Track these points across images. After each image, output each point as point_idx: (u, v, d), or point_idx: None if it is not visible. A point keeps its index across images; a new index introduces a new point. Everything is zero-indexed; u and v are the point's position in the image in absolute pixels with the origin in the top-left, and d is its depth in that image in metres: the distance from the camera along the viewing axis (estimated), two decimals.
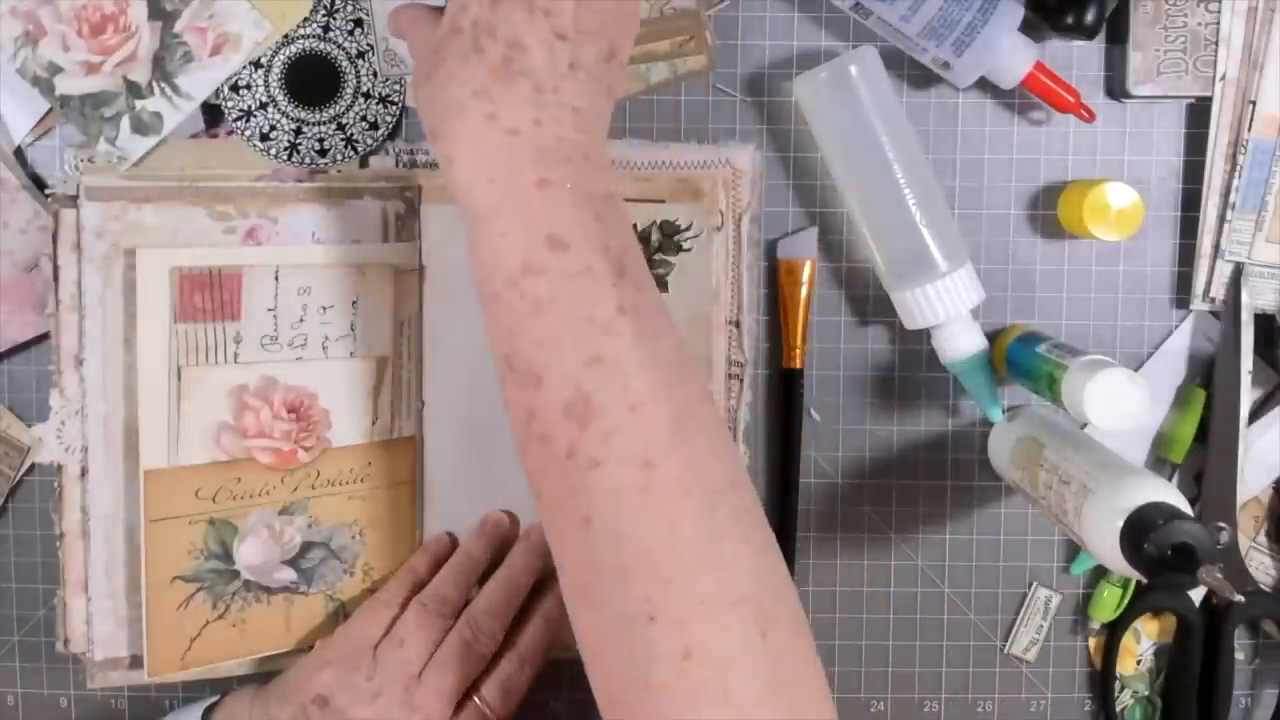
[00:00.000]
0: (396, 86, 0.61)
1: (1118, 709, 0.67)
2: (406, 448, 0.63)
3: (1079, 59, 0.64)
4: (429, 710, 0.57)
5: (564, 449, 0.44)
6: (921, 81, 0.64)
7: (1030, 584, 0.67)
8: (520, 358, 0.45)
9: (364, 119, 0.61)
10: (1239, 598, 0.51)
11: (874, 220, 0.61)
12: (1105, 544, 0.51)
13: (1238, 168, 0.63)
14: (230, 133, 0.62)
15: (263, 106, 0.61)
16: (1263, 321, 0.64)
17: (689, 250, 0.63)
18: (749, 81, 0.64)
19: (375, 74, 0.61)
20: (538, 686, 0.61)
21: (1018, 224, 0.65)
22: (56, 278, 0.61)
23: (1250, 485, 0.65)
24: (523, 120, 0.46)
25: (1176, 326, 0.65)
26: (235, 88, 0.61)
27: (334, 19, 0.61)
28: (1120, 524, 0.50)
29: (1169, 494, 0.51)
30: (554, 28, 0.47)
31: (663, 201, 0.63)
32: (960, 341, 0.61)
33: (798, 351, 0.64)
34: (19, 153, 0.62)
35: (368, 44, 0.61)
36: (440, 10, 0.50)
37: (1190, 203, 0.65)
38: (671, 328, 0.47)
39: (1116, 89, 0.64)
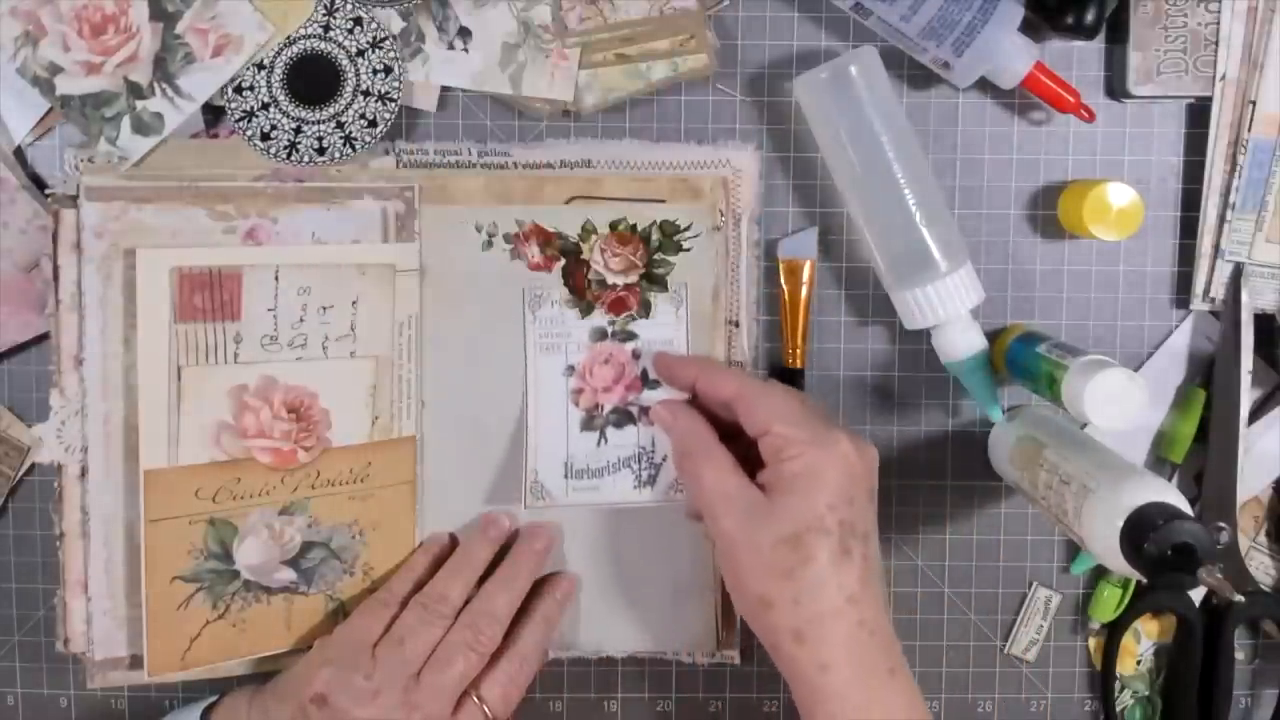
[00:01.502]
0: (396, 85, 0.61)
1: (1118, 709, 0.67)
2: (406, 448, 0.63)
3: (1079, 59, 0.64)
4: (428, 710, 0.57)
5: None
6: (921, 81, 0.64)
7: (1030, 584, 0.67)
8: None
9: (363, 117, 0.61)
10: (1239, 598, 0.51)
11: (874, 220, 0.61)
12: (1105, 544, 0.51)
13: (1238, 168, 0.63)
14: (231, 133, 0.62)
15: (264, 107, 0.61)
16: (1263, 321, 0.64)
17: (689, 250, 0.63)
18: (749, 81, 0.64)
19: (375, 71, 0.61)
20: (537, 686, 0.61)
21: (1018, 224, 0.65)
22: (56, 278, 0.61)
23: (1250, 485, 0.65)
24: (877, 617, 0.53)
25: (1176, 326, 0.65)
26: (239, 89, 0.61)
27: (334, 18, 0.61)
28: (1120, 524, 0.51)
29: (1169, 494, 0.51)
30: (875, 511, 0.55)
31: (663, 201, 0.63)
32: (960, 341, 0.61)
33: (798, 351, 0.64)
34: (19, 153, 0.62)
35: (367, 42, 0.61)
36: (741, 480, 0.55)
37: (1190, 203, 0.65)
38: None
39: (1116, 89, 0.64)
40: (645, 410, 0.62)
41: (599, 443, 0.62)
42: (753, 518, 0.53)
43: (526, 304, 0.62)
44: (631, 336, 0.63)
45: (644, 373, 0.63)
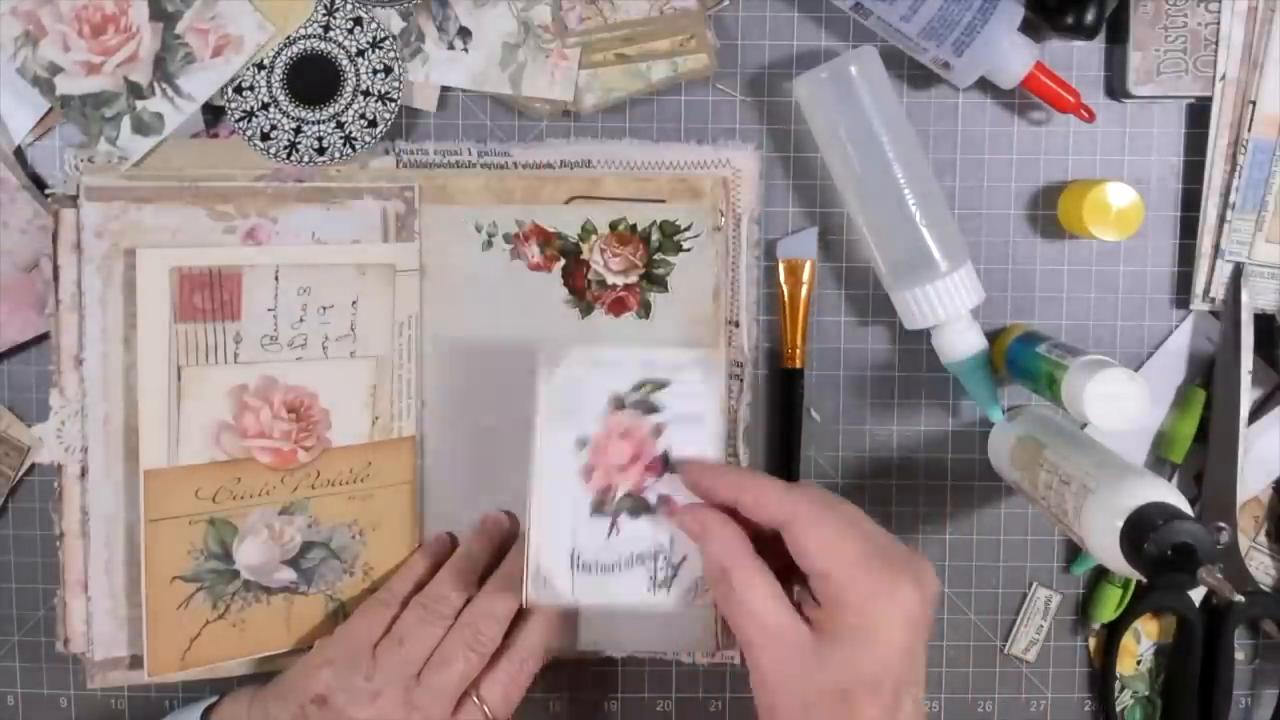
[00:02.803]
0: (396, 85, 0.61)
1: (1118, 709, 0.67)
2: (406, 448, 0.63)
3: (1079, 59, 0.64)
4: (428, 710, 0.57)
5: None
6: (921, 81, 0.64)
7: (1030, 584, 0.67)
8: None
9: (363, 117, 0.61)
10: (1239, 598, 0.51)
11: (874, 220, 0.61)
12: (1105, 544, 0.51)
13: (1238, 168, 0.63)
14: (231, 133, 0.62)
15: (264, 107, 0.61)
16: (1263, 321, 0.64)
17: (689, 250, 0.63)
18: (749, 81, 0.64)
19: (375, 71, 0.61)
20: (538, 686, 0.61)
21: (1018, 224, 0.65)
22: (56, 278, 0.61)
23: (1250, 485, 0.65)
24: None
25: (1176, 326, 0.65)
26: (239, 89, 0.61)
27: (334, 18, 0.61)
28: (1120, 524, 0.50)
29: (1169, 494, 0.51)
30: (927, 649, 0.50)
31: (663, 201, 0.63)
32: (960, 341, 0.61)
33: (798, 351, 0.64)
34: (19, 153, 0.62)
35: (367, 42, 0.61)
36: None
37: (1190, 203, 0.65)
38: None
39: (1116, 89, 0.64)
40: (665, 499, 0.54)
41: (610, 533, 0.55)
42: (797, 661, 0.48)
43: (542, 363, 0.55)
44: (654, 409, 0.55)
45: (665, 455, 0.55)
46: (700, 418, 0.54)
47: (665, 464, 0.55)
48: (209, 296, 0.60)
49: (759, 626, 0.49)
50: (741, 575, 0.50)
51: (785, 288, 0.64)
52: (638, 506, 0.55)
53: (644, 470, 0.55)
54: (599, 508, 0.55)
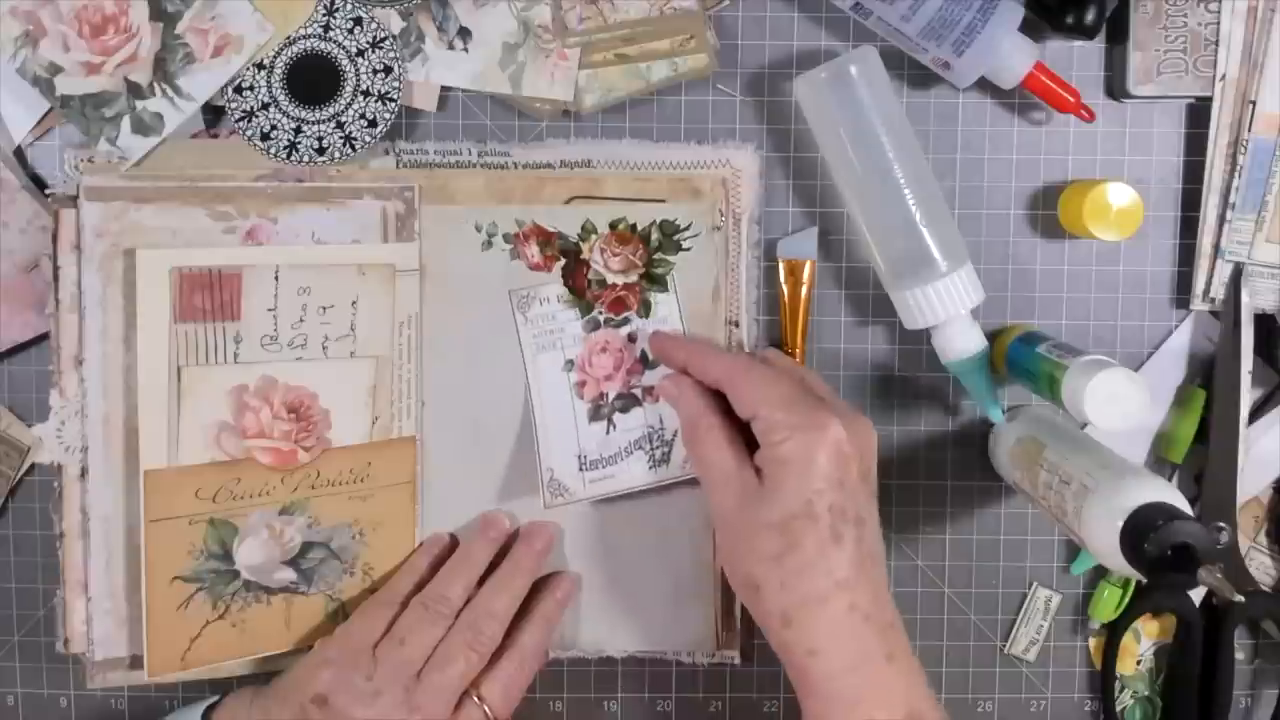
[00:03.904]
0: (396, 85, 0.61)
1: (1118, 709, 0.67)
2: (406, 448, 0.63)
3: (1079, 59, 0.64)
4: (429, 710, 0.57)
5: None
6: (921, 81, 0.64)
7: (1030, 584, 0.67)
8: None
9: (363, 117, 0.61)
10: (1239, 598, 0.51)
11: (874, 220, 0.61)
12: (1105, 544, 0.51)
13: (1238, 168, 0.63)
14: (231, 133, 0.62)
15: (264, 107, 0.61)
16: (1263, 321, 0.64)
17: (689, 250, 0.63)
18: (749, 81, 0.64)
19: (375, 71, 0.61)
20: (537, 686, 0.61)
21: (1018, 224, 0.65)
22: (56, 278, 0.61)
23: (1250, 485, 0.65)
24: (871, 602, 0.52)
25: (1176, 326, 0.65)
26: (239, 89, 0.61)
27: (334, 18, 0.61)
28: (1120, 524, 0.51)
29: (1169, 494, 0.51)
30: (872, 492, 0.55)
31: (663, 201, 0.63)
32: (960, 341, 0.61)
33: (798, 351, 0.64)
34: (19, 153, 0.62)
35: (367, 42, 0.61)
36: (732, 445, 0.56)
37: (1190, 203, 0.65)
38: None
39: (1116, 89, 0.64)
40: (649, 390, 0.63)
41: (608, 430, 0.63)
42: (745, 499, 0.54)
43: (515, 307, 0.62)
44: (625, 321, 0.63)
45: (643, 354, 0.63)
46: (665, 320, 0.63)
47: (645, 362, 0.63)
48: (209, 296, 0.60)
49: (713, 470, 0.56)
50: (703, 425, 0.57)
51: (785, 288, 0.64)
52: (628, 402, 0.63)
53: (627, 374, 0.63)
54: (595, 414, 0.63)
